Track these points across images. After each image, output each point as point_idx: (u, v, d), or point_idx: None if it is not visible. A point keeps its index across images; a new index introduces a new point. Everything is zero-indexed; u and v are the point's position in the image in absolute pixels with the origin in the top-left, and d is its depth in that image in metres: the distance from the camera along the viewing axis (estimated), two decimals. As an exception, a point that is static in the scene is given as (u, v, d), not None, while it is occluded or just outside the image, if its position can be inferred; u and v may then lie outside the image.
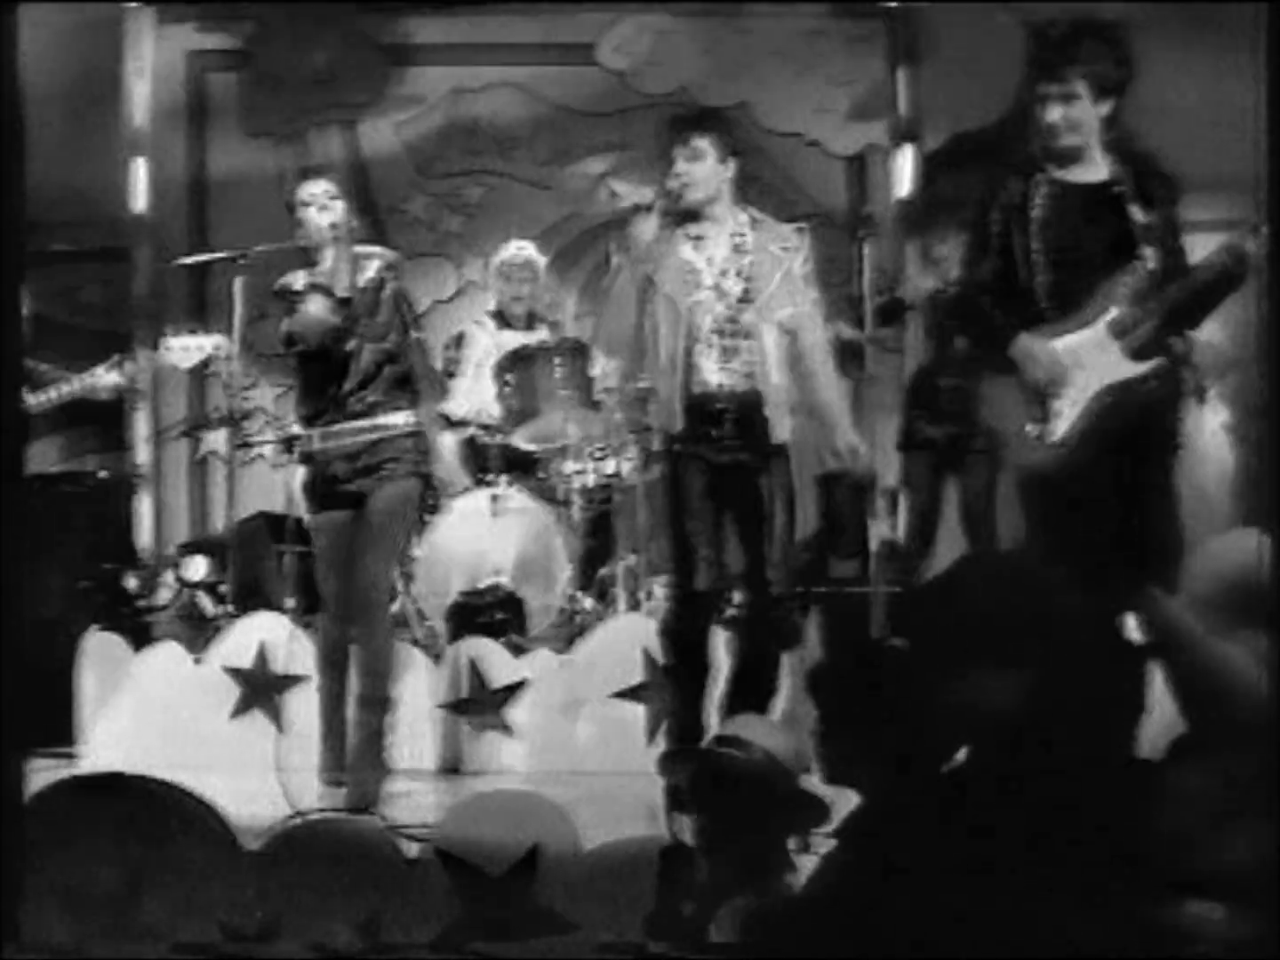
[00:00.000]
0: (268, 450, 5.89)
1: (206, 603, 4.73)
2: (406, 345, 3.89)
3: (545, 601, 4.75)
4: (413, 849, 2.49)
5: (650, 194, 3.54)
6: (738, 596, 3.49)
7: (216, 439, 6.04)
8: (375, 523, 3.75)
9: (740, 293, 3.53)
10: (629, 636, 4.25)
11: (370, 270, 3.86)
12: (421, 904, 2.45)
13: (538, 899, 2.45)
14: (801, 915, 2.22)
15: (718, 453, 3.44)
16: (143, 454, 6.08)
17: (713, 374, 3.46)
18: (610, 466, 5.02)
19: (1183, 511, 3.33)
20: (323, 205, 3.82)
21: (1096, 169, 3.30)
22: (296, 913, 2.44)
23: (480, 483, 5.03)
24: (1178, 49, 5.12)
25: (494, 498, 4.90)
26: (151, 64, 6.01)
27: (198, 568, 4.73)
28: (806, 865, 2.52)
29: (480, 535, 4.83)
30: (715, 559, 3.39)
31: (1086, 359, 3.23)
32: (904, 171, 6.11)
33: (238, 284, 4.73)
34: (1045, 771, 1.94)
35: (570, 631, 4.63)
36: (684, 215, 3.52)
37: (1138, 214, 3.24)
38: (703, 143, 3.52)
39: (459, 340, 5.33)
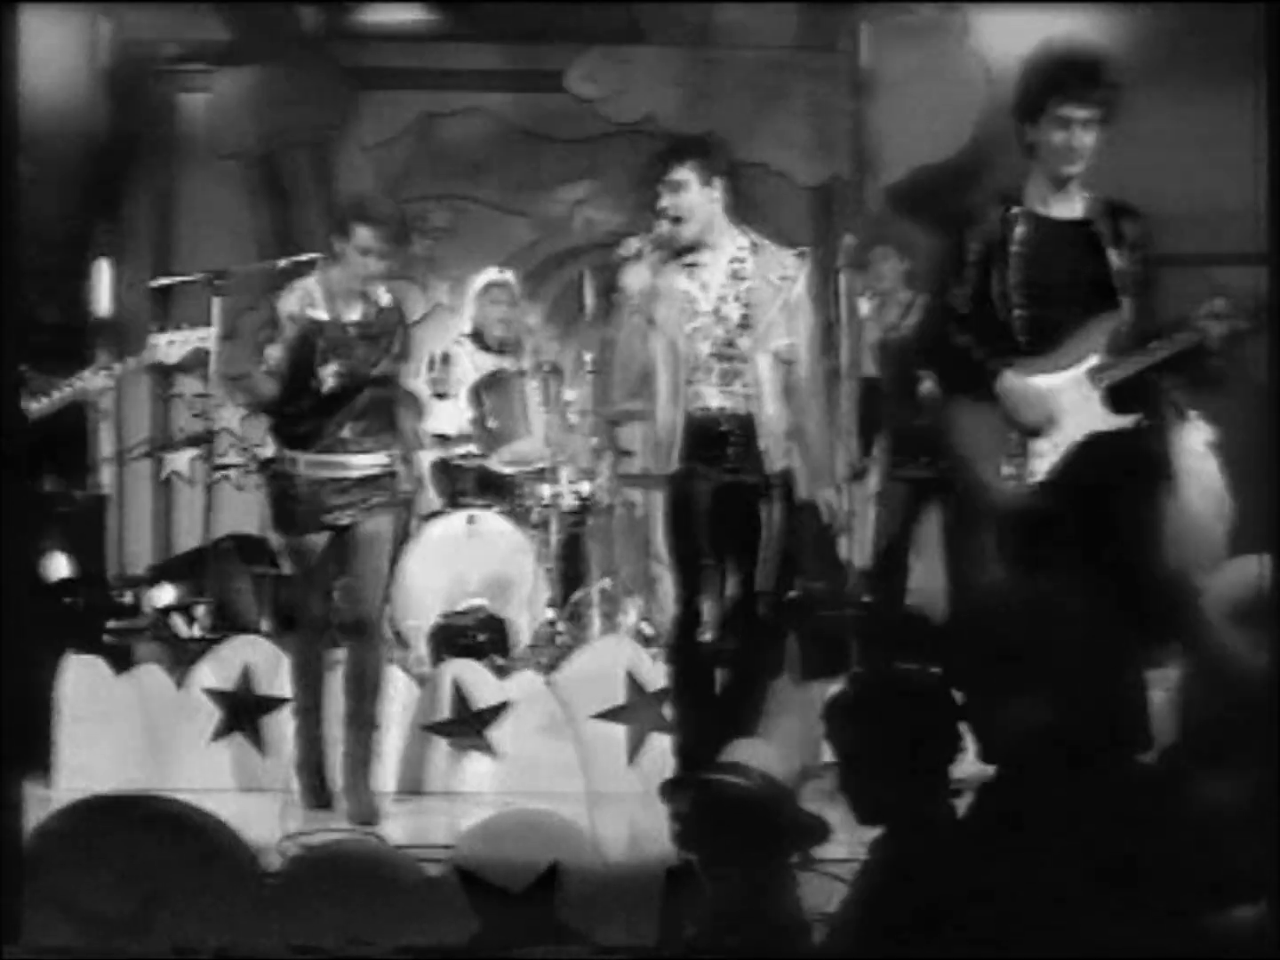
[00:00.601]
0: (233, 472, 5.90)
1: (180, 626, 4.72)
2: (396, 375, 3.98)
3: (521, 624, 4.80)
4: (431, 868, 2.53)
5: (636, 243, 3.58)
6: (726, 618, 3.55)
7: (180, 459, 6.03)
8: (362, 548, 3.84)
9: (739, 318, 3.58)
10: (612, 659, 4.32)
11: (382, 299, 3.94)
12: (441, 922, 2.48)
13: (557, 915, 2.50)
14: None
15: (719, 474, 3.52)
16: (106, 475, 6.05)
17: (713, 398, 3.53)
18: (585, 489, 5.09)
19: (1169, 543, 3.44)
20: (365, 262, 3.86)
21: (1073, 205, 3.38)
22: (317, 931, 2.46)
23: (456, 505, 5.08)
24: (1174, 83, 5.28)
25: (470, 519, 4.95)
26: (117, 83, 5.99)
27: (165, 593, 4.72)
28: (810, 883, 2.59)
29: (457, 558, 4.86)
30: (720, 579, 3.46)
31: (1069, 404, 3.32)
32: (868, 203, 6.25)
33: (216, 305, 4.76)
34: (1075, 789, 2.03)
35: (551, 653, 4.67)
36: (682, 250, 3.56)
37: (1114, 257, 3.33)
38: (682, 172, 3.54)
39: (445, 359, 5.36)
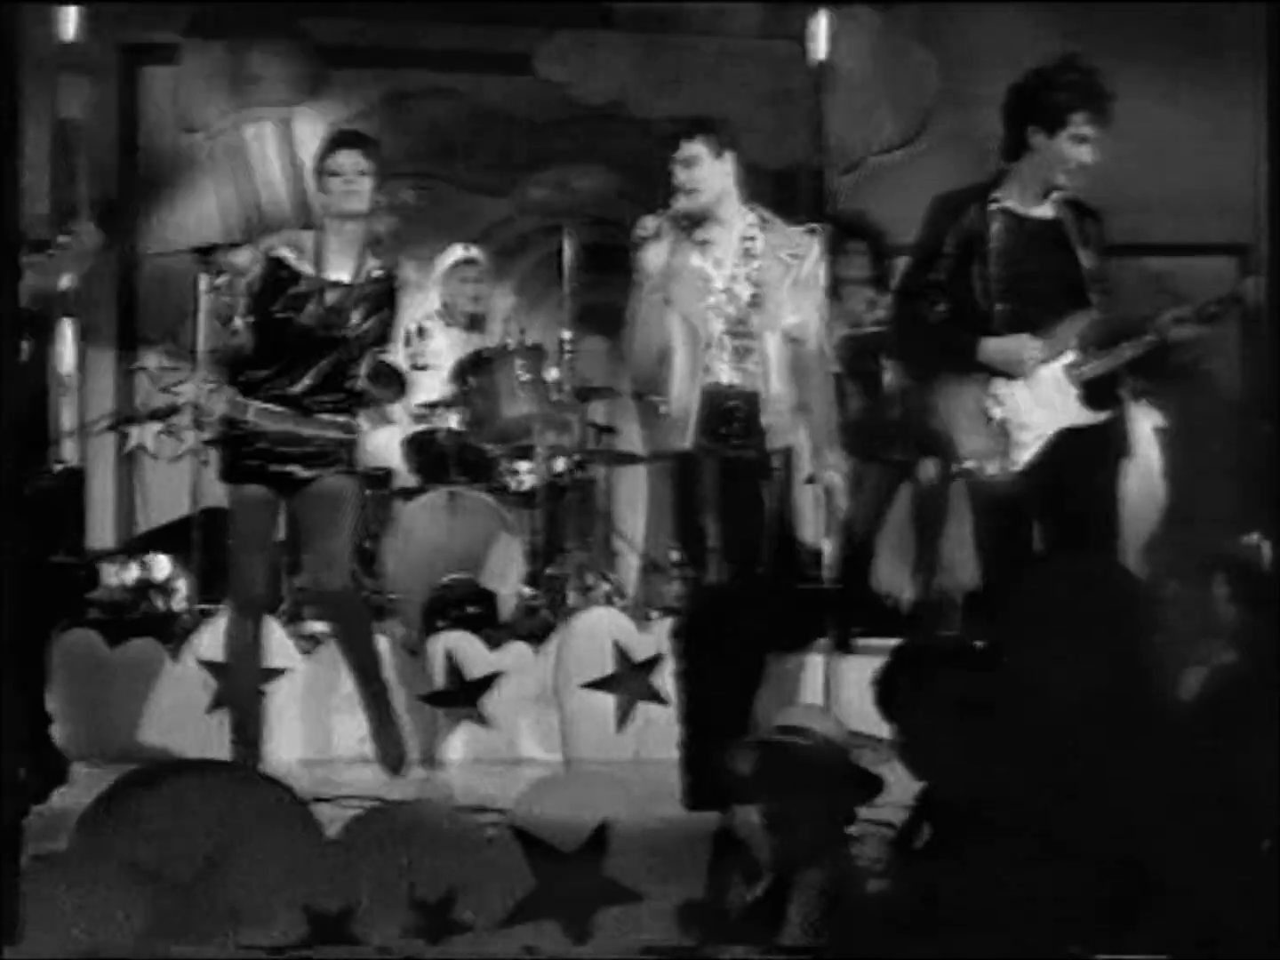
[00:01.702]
0: (198, 445, 5.90)
1: (165, 600, 4.74)
2: (371, 346, 3.92)
3: (503, 597, 4.90)
4: (489, 829, 2.63)
5: (653, 222, 3.58)
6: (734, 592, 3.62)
7: (144, 433, 6.01)
8: (322, 511, 3.79)
9: (749, 297, 3.61)
10: (602, 629, 4.45)
11: (374, 263, 3.89)
12: (499, 880, 2.59)
13: (607, 872, 2.61)
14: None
15: (725, 449, 3.55)
16: (68, 448, 6.01)
17: (724, 374, 3.57)
18: (560, 465, 5.20)
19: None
20: (349, 180, 3.80)
21: (1045, 205, 3.58)
22: (378, 891, 2.56)
23: (436, 481, 5.15)
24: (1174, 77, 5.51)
25: (451, 495, 5.02)
26: (84, 57, 5.94)
27: (161, 566, 4.73)
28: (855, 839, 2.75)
29: (440, 533, 4.95)
30: (727, 554, 3.52)
31: (1046, 398, 3.52)
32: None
33: (203, 281, 4.77)
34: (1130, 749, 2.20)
35: (531, 625, 4.77)
36: (695, 221, 3.58)
37: (1084, 257, 3.55)
38: (694, 147, 3.59)
39: (420, 333, 5.41)
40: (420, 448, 5.30)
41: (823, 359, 3.66)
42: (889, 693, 2.48)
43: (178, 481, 5.82)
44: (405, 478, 5.36)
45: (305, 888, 2.54)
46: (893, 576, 5.40)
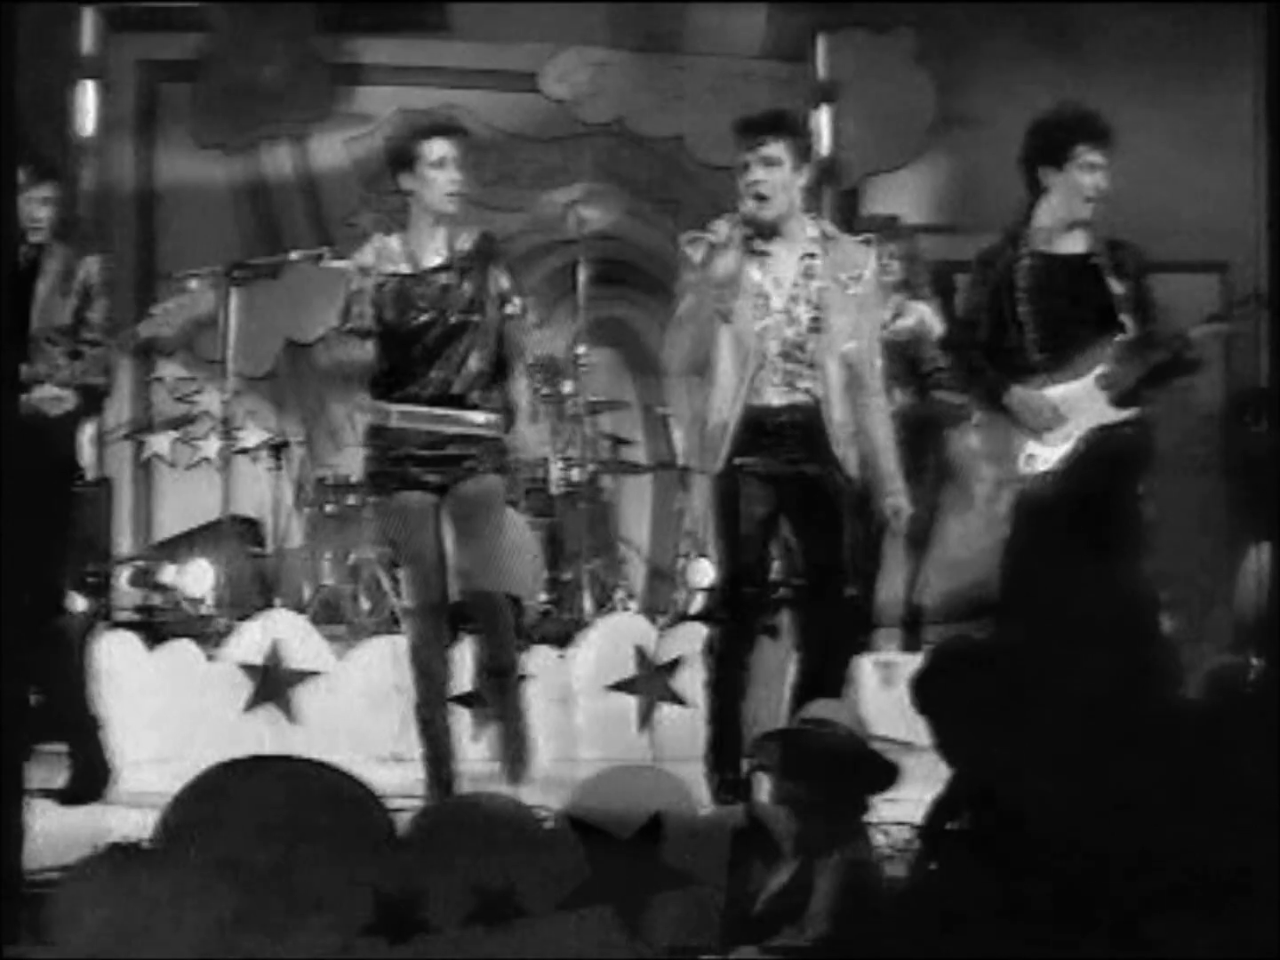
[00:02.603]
0: (213, 454, 6.03)
1: (194, 604, 4.87)
2: (500, 327, 3.72)
3: (525, 603, 5.05)
4: (549, 821, 2.77)
5: (725, 228, 3.47)
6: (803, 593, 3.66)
7: (160, 442, 6.13)
8: (467, 516, 3.63)
9: (809, 321, 3.54)
10: (624, 634, 4.61)
11: (462, 241, 3.72)
12: (557, 869, 2.73)
13: (662, 859, 2.76)
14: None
15: (779, 465, 3.53)
16: (87, 456, 6.12)
17: (774, 397, 3.51)
18: (576, 475, 5.35)
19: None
20: (445, 169, 3.66)
21: (1076, 241, 3.79)
22: (445, 879, 2.70)
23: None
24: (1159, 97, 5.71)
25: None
26: (102, 71, 6.06)
27: (189, 571, 4.86)
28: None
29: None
30: (764, 571, 3.62)
31: (1077, 405, 3.72)
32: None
33: (234, 296, 4.91)
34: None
35: (545, 630, 4.92)
36: (760, 231, 3.48)
37: (1115, 285, 3.76)
38: (778, 148, 3.46)
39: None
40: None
41: (878, 379, 3.61)
42: (927, 691, 2.64)
43: (194, 489, 5.99)
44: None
45: (374, 878, 2.68)
46: (893, 582, 5.59)
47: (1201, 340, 3.65)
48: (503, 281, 3.76)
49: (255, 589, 5.08)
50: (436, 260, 3.71)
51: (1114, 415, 3.69)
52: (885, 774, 2.82)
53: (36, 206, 3.82)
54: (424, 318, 3.68)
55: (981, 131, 6.26)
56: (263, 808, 2.70)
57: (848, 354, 3.57)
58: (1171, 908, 2.44)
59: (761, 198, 3.46)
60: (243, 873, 2.67)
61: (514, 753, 3.76)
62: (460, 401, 3.68)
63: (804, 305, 3.51)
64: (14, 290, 3.67)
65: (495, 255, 3.76)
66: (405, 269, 3.72)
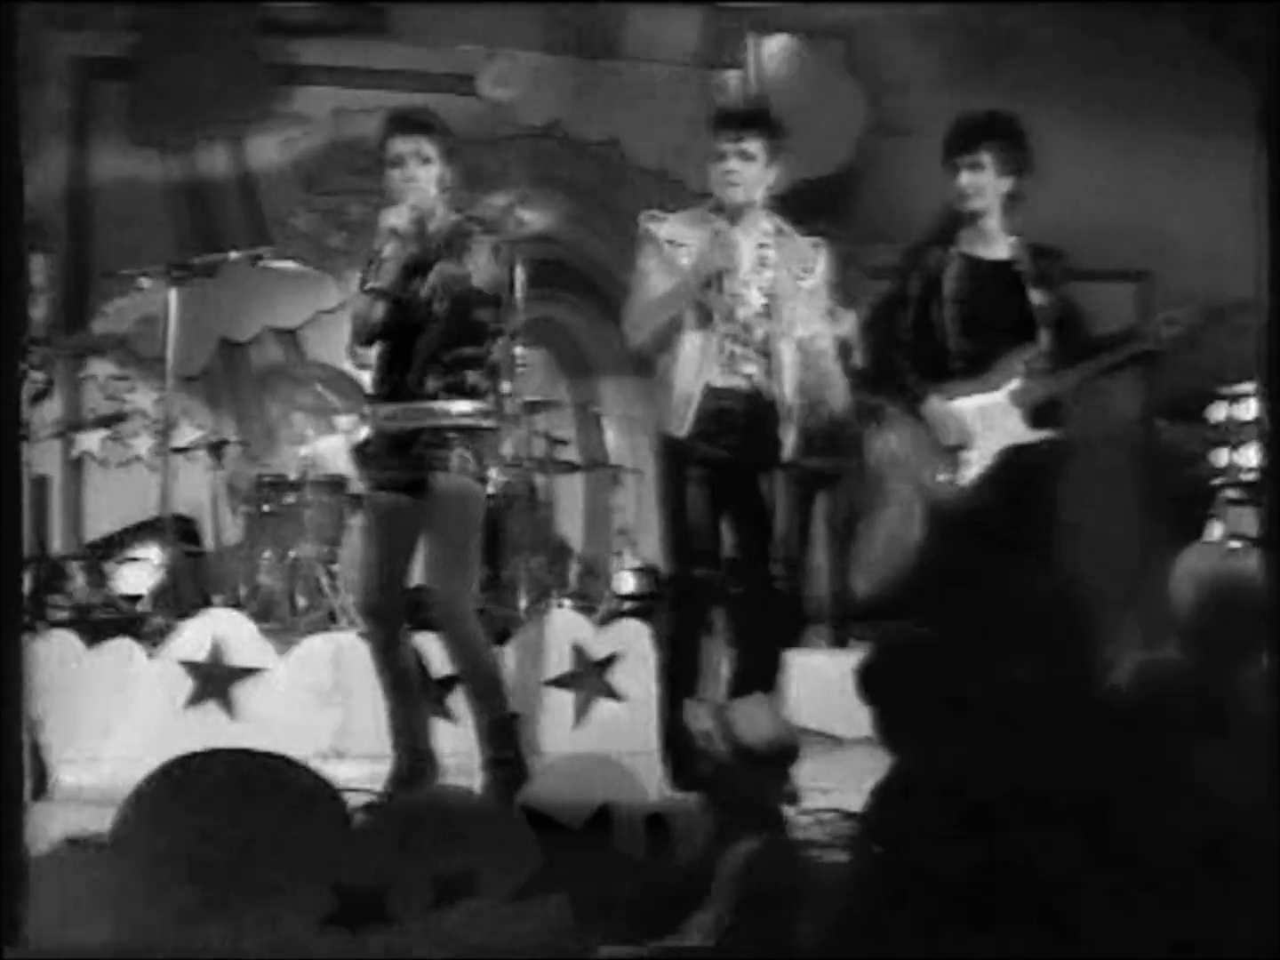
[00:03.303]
0: (144, 452, 6.02)
1: (132, 602, 4.87)
2: (487, 321, 3.59)
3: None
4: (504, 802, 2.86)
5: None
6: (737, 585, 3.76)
7: (91, 440, 6.11)
8: (436, 523, 3.55)
9: (760, 307, 3.71)
10: (561, 631, 4.68)
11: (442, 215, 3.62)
12: (511, 857, 2.81)
13: (611, 846, 2.85)
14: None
15: (721, 451, 3.68)
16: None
17: (722, 378, 3.66)
18: (515, 474, 5.41)
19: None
20: (407, 169, 3.62)
21: (1000, 247, 3.91)
22: (402, 866, 2.76)
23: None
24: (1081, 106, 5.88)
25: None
26: (35, 68, 6.00)
27: (128, 569, 4.86)
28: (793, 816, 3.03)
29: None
30: (712, 553, 3.71)
31: (992, 421, 3.84)
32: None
33: (173, 296, 4.90)
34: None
35: (490, 627, 4.98)
36: (726, 216, 3.66)
37: (1036, 295, 3.87)
38: (755, 144, 3.66)
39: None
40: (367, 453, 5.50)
41: (835, 363, 3.78)
42: (873, 681, 2.75)
43: (124, 488, 5.98)
44: (356, 485, 5.56)
45: (333, 868, 2.74)
46: (816, 579, 5.73)
47: (1165, 340, 3.76)
48: (476, 263, 3.61)
49: (192, 587, 5.09)
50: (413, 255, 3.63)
51: (1029, 435, 3.81)
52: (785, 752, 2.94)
53: None
54: (422, 291, 3.57)
55: (910, 140, 6.43)
56: (222, 800, 2.76)
57: (801, 341, 3.73)
58: (1101, 892, 2.59)
59: (733, 185, 3.66)
60: (202, 865, 2.73)
61: (501, 749, 3.62)
62: (436, 393, 3.57)
63: (756, 291, 3.68)
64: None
65: (469, 239, 3.65)
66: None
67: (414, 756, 3.68)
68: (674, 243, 3.73)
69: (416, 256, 3.61)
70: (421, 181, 3.67)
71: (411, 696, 3.74)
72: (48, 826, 3.39)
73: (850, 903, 2.69)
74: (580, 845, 2.86)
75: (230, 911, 2.74)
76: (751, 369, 3.70)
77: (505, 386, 5.36)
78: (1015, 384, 3.81)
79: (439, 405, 3.56)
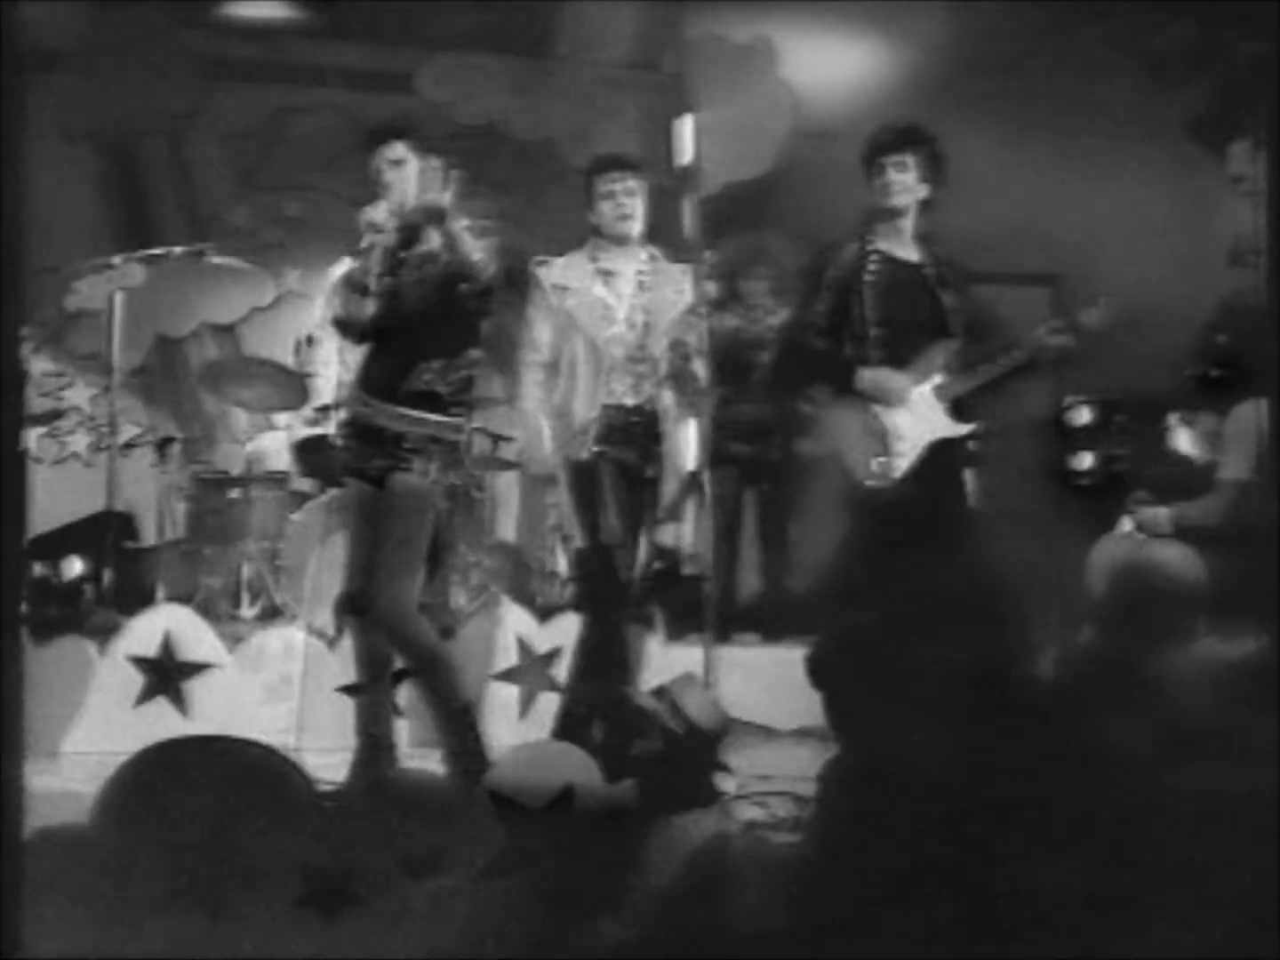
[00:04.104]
0: (82, 449, 6.02)
1: (74, 600, 4.88)
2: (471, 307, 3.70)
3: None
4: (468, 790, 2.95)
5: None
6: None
7: (28, 437, 6.07)
8: (391, 520, 3.63)
9: (643, 327, 4.17)
10: (506, 625, 4.78)
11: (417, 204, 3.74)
12: (475, 837, 2.90)
13: (571, 828, 2.96)
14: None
15: (628, 458, 4.11)
16: (-50, 451, 6.03)
17: (626, 396, 4.12)
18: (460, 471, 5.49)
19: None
20: (383, 174, 3.75)
21: (911, 250, 4.12)
22: (370, 849, 2.85)
23: (332, 483, 5.38)
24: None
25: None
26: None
27: (73, 566, 4.87)
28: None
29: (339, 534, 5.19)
30: (624, 542, 4.04)
31: (919, 414, 4.01)
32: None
33: (119, 297, 4.92)
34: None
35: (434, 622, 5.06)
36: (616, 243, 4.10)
37: (945, 297, 4.07)
38: (634, 182, 4.15)
39: (309, 341, 5.63)
40: (309, 450, 5.55)
41: (704, 379, 4.16)
42: (819, 666, 2.89)
43: (61, 486, 5.96)
44: (298, 482, 5.61)
45: (303, 849, 2.82)
46: (748, 574, 5.87)
47: (1044, 343, 3.96)
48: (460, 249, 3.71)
49: (134, 584, 5.11)
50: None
51: (953, 429, 4.00)
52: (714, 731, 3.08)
53: None
54: (406, 284, 3.68)
55: (834, 143, 6.60)
56: (197, 786, 2.82)
57: (676, 354, 4.14)
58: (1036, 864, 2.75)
59: (627, 218, 4.14)
60: (177, 851, 2.79)
61: (457, 741, 3.67)
62: (435, 401, 3.71)
63: (640, 313, 4.12)
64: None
65: (442, 219, 3.76)
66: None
67: (377, 745, 3.75)
68: (559, 286, 4.13)
69: (397, 248, 3.76)
70: (396, 183, 3.82)
71: (381, 685, 3.83)
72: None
73: (794, 880, 2.83)
74: (542, 826, 2.97)
75: (205, 896, 2.83)
76: (648, 385, 4.10)
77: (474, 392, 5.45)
78: (937, 379, 3.99)
79: (415, 413, 3.67)
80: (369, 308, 3.72)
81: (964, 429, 4.04)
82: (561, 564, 5.93)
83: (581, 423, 4.08)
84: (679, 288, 4.20)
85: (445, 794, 3.01)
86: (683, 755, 3.13)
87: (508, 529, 6.52)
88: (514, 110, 6.58)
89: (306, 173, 6.39)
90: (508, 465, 6.10)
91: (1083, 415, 6.01)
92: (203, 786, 2.81)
